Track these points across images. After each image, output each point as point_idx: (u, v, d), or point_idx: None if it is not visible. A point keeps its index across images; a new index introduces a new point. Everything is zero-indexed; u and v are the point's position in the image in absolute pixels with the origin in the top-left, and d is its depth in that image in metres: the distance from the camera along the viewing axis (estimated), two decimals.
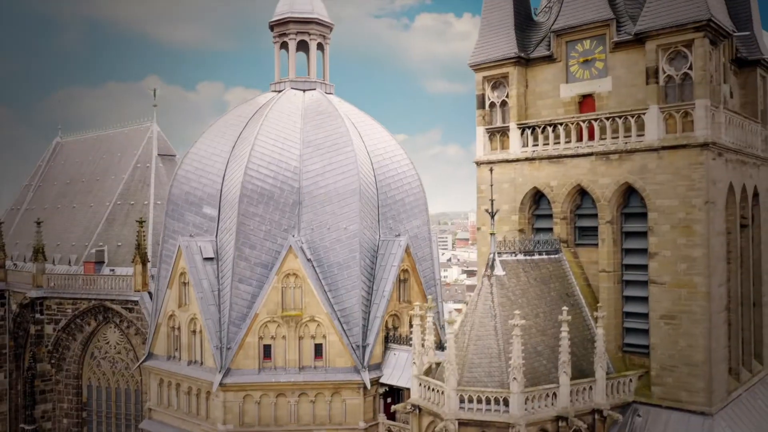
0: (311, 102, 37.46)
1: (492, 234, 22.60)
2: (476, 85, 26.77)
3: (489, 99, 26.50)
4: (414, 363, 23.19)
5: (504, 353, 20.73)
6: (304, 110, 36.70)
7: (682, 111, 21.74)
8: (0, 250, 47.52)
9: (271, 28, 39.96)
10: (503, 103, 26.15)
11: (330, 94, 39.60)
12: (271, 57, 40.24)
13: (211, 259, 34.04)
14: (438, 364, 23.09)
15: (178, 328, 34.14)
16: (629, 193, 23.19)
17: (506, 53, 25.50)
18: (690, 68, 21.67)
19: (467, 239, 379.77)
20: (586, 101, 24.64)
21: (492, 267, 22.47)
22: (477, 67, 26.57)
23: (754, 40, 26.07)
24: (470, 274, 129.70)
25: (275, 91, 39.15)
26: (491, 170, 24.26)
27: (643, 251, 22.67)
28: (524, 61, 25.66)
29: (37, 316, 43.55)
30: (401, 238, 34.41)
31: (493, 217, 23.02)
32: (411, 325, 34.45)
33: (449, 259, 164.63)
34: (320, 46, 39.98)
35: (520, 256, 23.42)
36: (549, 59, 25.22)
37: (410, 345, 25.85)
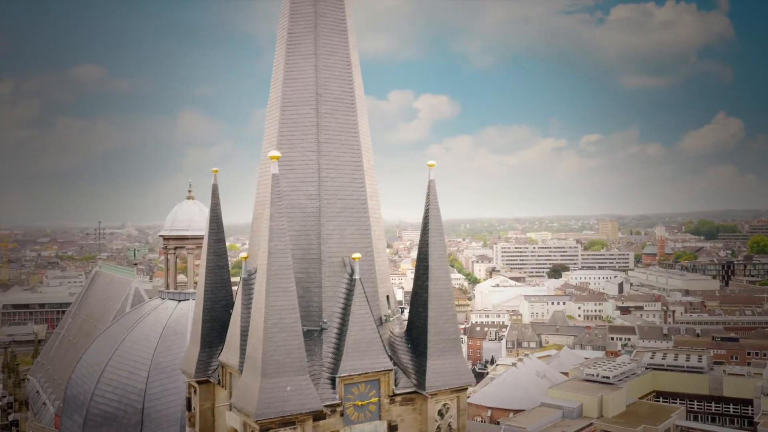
0: (177, 317, 41.50)
1: None
2: (186, 389, 28.99)
3: (193, 403, 28.58)
4: None
5: None
6: (167, 327, 40.87)
7: None
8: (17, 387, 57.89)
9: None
10: None
11: None
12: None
13: None
14: None
15: None
16: None
17: (187, 371, 27.48)
18: None
19: (654, 254, 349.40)
20: None
21: None
22: (183, 373, 28.82)
23: (423, 372, 25.28)
24: None
25: (161, 297, 43.82)
26: None
27: None
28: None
29: None
30: None
31: None
32: None
33: None
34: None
35: None
36: (218, 384, 26.77)
37: None
